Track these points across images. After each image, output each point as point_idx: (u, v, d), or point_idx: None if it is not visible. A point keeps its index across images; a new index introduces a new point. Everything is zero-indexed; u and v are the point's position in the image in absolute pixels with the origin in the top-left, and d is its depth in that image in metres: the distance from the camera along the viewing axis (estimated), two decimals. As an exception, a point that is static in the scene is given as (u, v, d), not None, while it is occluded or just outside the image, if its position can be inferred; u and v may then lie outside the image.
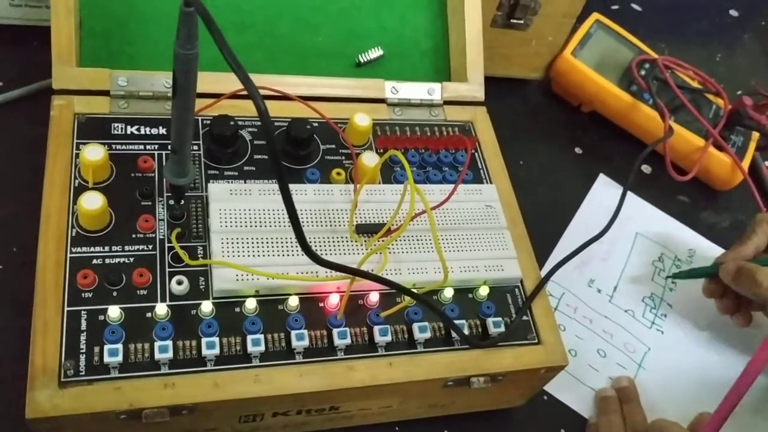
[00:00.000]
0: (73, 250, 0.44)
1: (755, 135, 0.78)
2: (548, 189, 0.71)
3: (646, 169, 0.78)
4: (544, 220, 0.62)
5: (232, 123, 0.50)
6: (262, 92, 0.36)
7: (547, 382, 0.52)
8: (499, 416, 0.54)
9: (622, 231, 0.70)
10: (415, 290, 0.46)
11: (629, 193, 0.73)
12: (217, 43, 0.30)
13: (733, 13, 1.04)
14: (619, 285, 0.66)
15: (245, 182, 0.50)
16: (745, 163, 0.76)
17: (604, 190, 0.73)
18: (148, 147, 0.50)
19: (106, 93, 0.51)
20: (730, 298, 0.61)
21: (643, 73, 0.77)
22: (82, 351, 0.41)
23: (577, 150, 0.77)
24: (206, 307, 0.43)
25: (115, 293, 0.43)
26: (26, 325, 0.42)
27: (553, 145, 0.77)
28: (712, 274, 0.62)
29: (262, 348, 0.43)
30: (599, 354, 0.61)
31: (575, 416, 0.57)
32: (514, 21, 0.72)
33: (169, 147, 0.42)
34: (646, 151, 0.67)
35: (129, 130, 0.50)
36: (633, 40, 0.80)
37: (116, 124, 0.50)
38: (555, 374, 0.50)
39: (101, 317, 0.42)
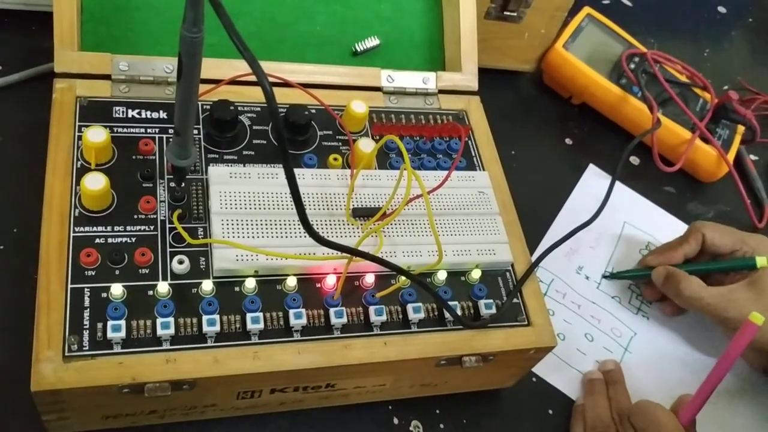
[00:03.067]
0: (76, 230, 0.45)
1: (740, 128, 0.80)
2: (539, 179, 0.73)
3: (634, 160, 0.80)
4: (534, 209, 0.64)
5: (232, 108, 0.51)
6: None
7: (536, 363, 0.54)
8: (489, 396, 0.56)
9: (611, 220, 0.72)
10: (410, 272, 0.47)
11: (618, 184, 0.74)
12: (225, 26, 0.31)
13: (722, 9, 1.06)
14: (607, 272, 0.68)
15: (244, 166, 0.51)
16: (731, 156, 0.78)
17: (593, 180, 0.75)
18: (149, 130, 0.51)
19: (107, 77, 0.52)
20: (669, 300, 0.64)
21: (632, 66, 0.78)
22: (85, 327, 0.42)
23: (568, 141, 0.79)
24: (207, 286, 0.44)
25: (117, 272, 0.44)
26: (27, 304, 0.43)
27: (544, 136, 0.78)
28: (645, 276, 0.65)
29: (261, 326, 0.44)
30: (587, 338, 0.63)
31: (563, 397, 0.58)
32: (508, 13, 0.73)
33: (172, 129, 0.43)
34: (635, 142, 0.69)
35: (130, 113, 0.51)
36: (623, 34, 0.82)
37: (117, 108, 0.51)
38: (544, 355, 0.52)
39: (104, 294, 0.43)
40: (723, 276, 0.63)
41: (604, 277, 0.67)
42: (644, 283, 0.67)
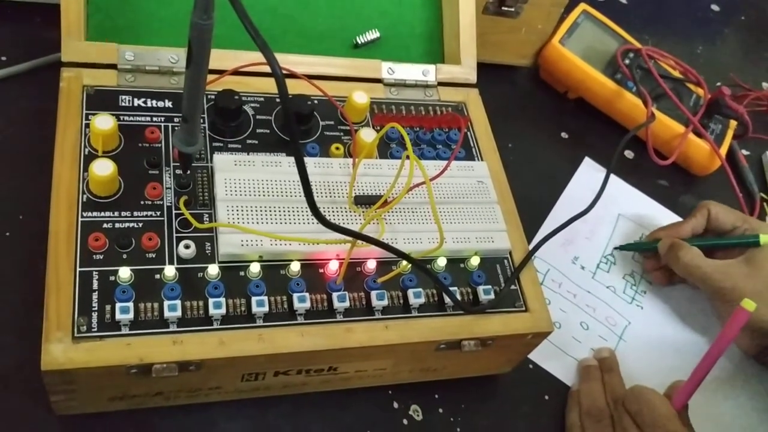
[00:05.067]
0: (84, 215, 0.46)
1: (733, 123, 0.82)
2: (535, 171, 0.74)
3: (629, 154, 0.81)
4: (531, 201, 0.65)
5: (236, 97, 0.52)
6: (266, 69, 0.38)
7: (533, 349, 0.55)
8: (487, 382, 0.57)
9: (606, 212, 0.73)
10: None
11: (613, 177, 0.76)
12: (237, 11, 0.32)
13: (715, 8, 1.08)
14: (602, 262, 0.69)
15: (248, 154, 0.52)
16: (723, 150, 0.79)
17: (588, 173, 0.76)
18: (154, 119, 0.52)
19: (113, 67, 0.53)
20: (664, 270, 0.68)
21: (627, 62, 0.80)
22: (94, 309, 0.42)
23: (564, 135, 0.80)
24: (212, 270, 0.45)
25: (125, 255, 0.45)
26: (33, 289, 0.44)
27: (540, 130, 0.80)
28: (653, 249, 0.67)
29: (265, 309, 0.45)
30: (582, 327, 0.64)
31: (559, 384, 0.60)
32: (505, 9, 0.75)
33: (179, 117, 0.44)
34: (629, 135, 0.70)
35: (136, 102, 0.52)
36: (618, 30, 0.83)
37: (124, 97, 0.52)
38: (541, 340, 0.53)
39: (112, 278, 0.44)
40: (724, 254, 0.65)
41: (615, 248, 0.70)
42: (646, 256, 0.70)
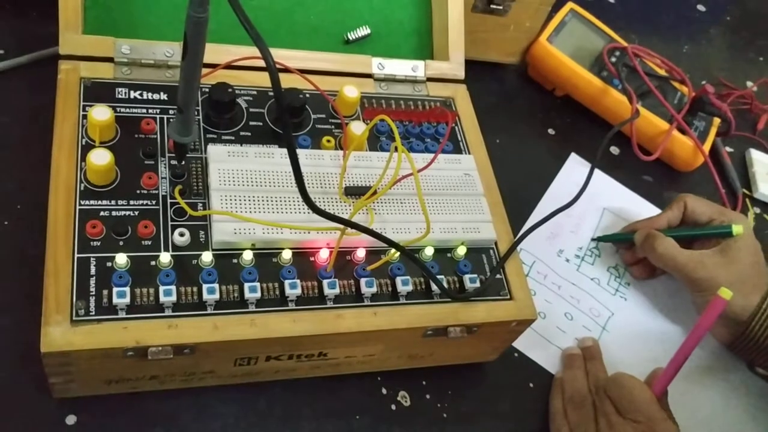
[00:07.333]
0: (82, 203, 0.47)
1: (716, 121, 0.84)
2: (522, 167, 0.76)
3: (614, 150, 0.83)
4: (518, 196, 0.66)
5: (230, 90, 0.53)
6: (258, 63, 0.39)
7: (517, 337, 0.56)
8: (473, 369, 0.59)
9: (591, 206, 0.75)
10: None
11: (598, 172, 0.78)
12: (232, 5, 0.34)
13: (701, 8, 1.10)
14: (587, 255, 0.71)
15: (242, 145, 0.53)
16: (706, 147, 0.81)
17: (574, 168, 0.78)
18: (150, 111, 0.53)
19: (110, 60, 0.54)
20: (644, 263, 0.69)
21: (613, 60, 0.81)
22: (92, 293, 0.44)
23: (551, 131, 0.82)
24: (206, 257, 0.47)
25: (121, 243, 0.46)
26: (30, 277, 0.45)
27: (528, 126, 0.81)
28: (630, 239, 0.69)
29: (258, 295, 0.47)
30: (566, 317, 0.66)
31: (543, 371, 0.61)
32: (494, 6, 0.76)
33: (175, 108, 0.45)
34: (614, 130, 0.72)
35: (132, 94, 0.53)
36: (605, 29, 0.85)
37: (120, 89, 0.53)
38: (525, 328, 0.55)
39: (109, 264, 0.45)
40: (701, 245, 0.66)
41: (593, 239, 0.72)
42: (624, 248, 0.71)
